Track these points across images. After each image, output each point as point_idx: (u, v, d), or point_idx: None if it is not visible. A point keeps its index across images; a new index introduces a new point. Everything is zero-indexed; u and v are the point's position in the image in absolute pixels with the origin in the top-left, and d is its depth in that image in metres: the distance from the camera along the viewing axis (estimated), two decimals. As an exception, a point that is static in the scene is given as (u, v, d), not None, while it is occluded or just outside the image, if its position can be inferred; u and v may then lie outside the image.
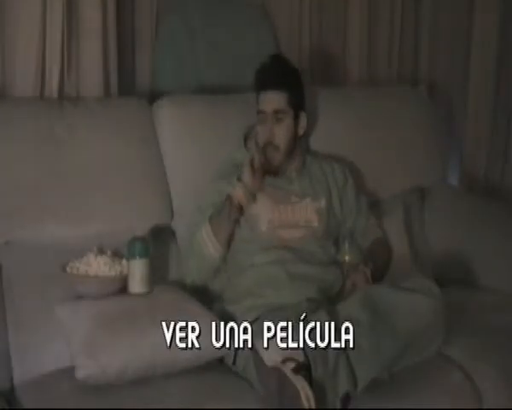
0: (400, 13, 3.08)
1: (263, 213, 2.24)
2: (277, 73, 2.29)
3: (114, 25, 2.44)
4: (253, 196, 2.20)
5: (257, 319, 2.03)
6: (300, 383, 1.70)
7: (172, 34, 2.65)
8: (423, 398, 1.92)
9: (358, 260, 2.23)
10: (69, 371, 1.83)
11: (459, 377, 2.03)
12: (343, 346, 1.84)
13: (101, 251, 2.09)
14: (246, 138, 2.38)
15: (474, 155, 3.29)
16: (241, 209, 2.20)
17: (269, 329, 1.87)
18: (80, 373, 1.79)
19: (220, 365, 1.99)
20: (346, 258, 2.26)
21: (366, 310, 1.90)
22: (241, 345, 1.99)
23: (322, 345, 1.82)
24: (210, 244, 2.18)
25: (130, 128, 2.32)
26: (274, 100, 2.26)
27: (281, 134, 2.26)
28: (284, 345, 1.79)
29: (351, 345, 1.84)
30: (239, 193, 2.17)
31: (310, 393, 1.69)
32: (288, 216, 2.26)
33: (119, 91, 2.50)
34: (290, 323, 1.87)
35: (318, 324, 1.85)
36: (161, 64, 2.66)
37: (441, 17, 3.19)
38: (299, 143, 2.34)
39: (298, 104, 2.30)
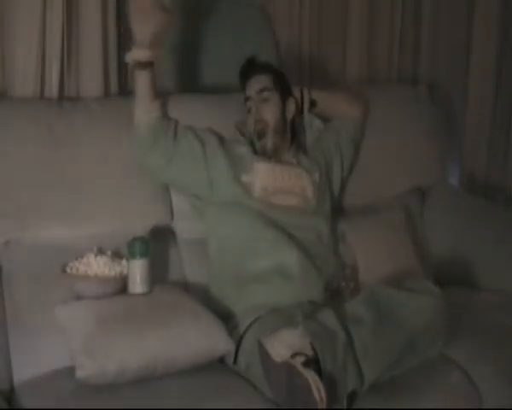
0: (400, 13, 3.08)
1: (257, 179, 2.26)
2: (258, 63, 2.41)
3: (114, 25, 2.44)
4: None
5: (257, 319, 2.04)
6: (311, 376, 1.69)
7: (172, 34, 2.65)
8: (423, 398, 1.92)
9: (353, 262, 2.27)
10: (69, 371, 1.83)
11: (459, 377, 2.03)
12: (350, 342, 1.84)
13: (101, 251, 2.09)
14: (241, 131, 2.41)
15: (474, 155, 3.29)
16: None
17: (274, 325, 1.87)
18: (80, 373, 1.79)
19: (221, 365, 1.99)
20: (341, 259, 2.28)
21: (370, 309, 1.90)
22: (242, 344, 1.99)
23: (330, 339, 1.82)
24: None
25: (130, 128, 2.32)
26: (257, 81, 2.35)
27: (267, 111, 2.33)
28: (292, 340, 1.79)
29: (356, 343, 1.84)
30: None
31: (321, 385, 1.68)
32: (283, 180, 2.29)
33: (119, 91, 2.50)
34: (297, 319, 1.88)
35: (325, 319, 1.86)
36: (161, 64, 2.66)
37: (441, 17, 3.19)
38: (290, 128, 2.40)
39: (283, 87, 2.38)
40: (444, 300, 1.98)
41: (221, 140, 2.34)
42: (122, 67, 2.51)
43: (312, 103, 2.47)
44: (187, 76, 2.67)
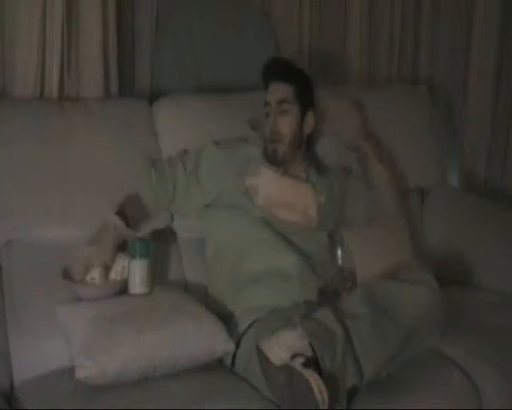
0: (400, 12, 3.08)
1: (262, 184, 2.24)
2: (284, 65, 2.32)
3: (114, 25, 2.44)
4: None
5: (255, 321, 2.03)
6: (312, 376, 1.69)
7: (172, 34, 2.65)
8: (423, 398, 1.92)
9: (351, 266, 2.26)
10: (69, 372, 1.83)
11: (459, 377, 2.03)
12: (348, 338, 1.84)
13: (101, 251, 2.08)
14: (252, 126, 2.38)
15: (474, 155, 3.29)
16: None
17: (272, 327, 1.87)
18: (80, 373, 1.79)
19: (221, 365, 1.99)
20: (339, 263, 2.27)
21: (368, 304, 1.91)
22: (241, 346, 1.99)
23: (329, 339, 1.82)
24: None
25: (130, 128, 2.32)
26: (279, 90, 2.28)
27: (284, 125, 2.27)
28: (291, 341, 1.78)
29: (354, 337, 1.85)
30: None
31: (322, 385, 1.68)
32: (288, 193, 2.26)
33: (119, 91, 2.50)
34: (295, 320, 1.87)
35: (323, 317, 1.86)
36: (161, 64, 2.66)
37: (441, 17, 3.19)
38: (305, 142, 2.35)
39: (304, 100, 2.31)
40: (441, 290, 1.98)
41: (224, 155, 2.29)
42: (122, 67, 2.52)
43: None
44: (187, 76, 2.68)
